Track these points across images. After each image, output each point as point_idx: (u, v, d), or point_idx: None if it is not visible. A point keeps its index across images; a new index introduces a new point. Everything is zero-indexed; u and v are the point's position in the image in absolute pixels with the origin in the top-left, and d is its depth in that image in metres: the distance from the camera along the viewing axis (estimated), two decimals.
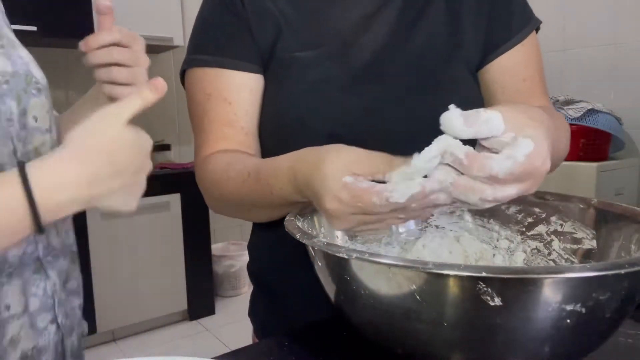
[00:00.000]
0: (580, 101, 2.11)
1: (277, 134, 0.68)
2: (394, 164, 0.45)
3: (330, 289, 0.46)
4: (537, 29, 0.72)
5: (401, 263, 0.36)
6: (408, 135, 0.55)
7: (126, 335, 2.52)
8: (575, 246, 0.54)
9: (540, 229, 0.57)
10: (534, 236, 0.57)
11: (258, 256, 0.79)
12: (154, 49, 2.72)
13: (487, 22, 0.70)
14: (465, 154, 0.41)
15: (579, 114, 2.04)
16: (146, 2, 2.54)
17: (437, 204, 0.44)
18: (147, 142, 0.52)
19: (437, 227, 0.59)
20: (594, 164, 2.01)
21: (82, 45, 0.62)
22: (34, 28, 2.15)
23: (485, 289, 0.34)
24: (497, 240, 0.58)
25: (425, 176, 0.43)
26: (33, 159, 0.53)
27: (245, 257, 2.97)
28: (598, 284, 0.35)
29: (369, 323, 0.43)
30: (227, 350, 0.55)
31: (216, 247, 3.02)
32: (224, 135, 0.67)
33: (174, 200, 2.55)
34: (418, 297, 0.37)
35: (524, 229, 0.58)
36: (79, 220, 2.11)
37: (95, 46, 0.62)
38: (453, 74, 0.68)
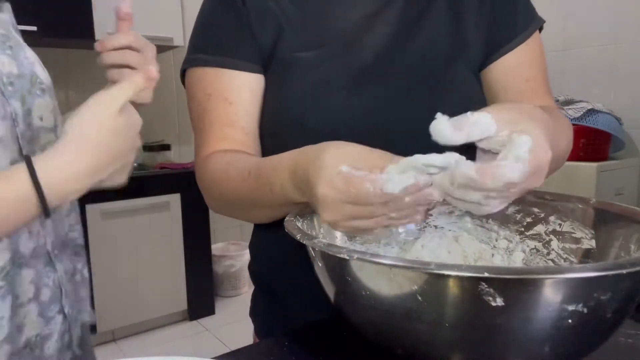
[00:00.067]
0: (580, 101, 2.11)
1: (277, 134, 0.67)
2: (394, 161, 0.44)
3: (330, 289, 0.46)
4: (541, 29, 0.72)
5: (403, 264, 0.36)
6: (410, 135, 0.54)
7: (126, 335, 2.52)
8: (574, 246, 0.54)
9: (539, 228, 0.57)
10: (532, 236, 0.57)
11: (259, 256, 0.79)
12: None
13: (490, 22, 0.69)
14: (475, 170, 0.40)
15: (579, 114, 2.04)
16: (146, 2, 2.53)
17: (430, 200, 0.44)
18: (138, 122, 0.56)
19: (435, 227, 0.59)
20: (594, 164, 2.01)
21: (98, 45, 0.65)
22: (34, 28, 2.15)
23: (487, 289, 0.34)
24: (496, 240, 0.58)
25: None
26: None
27: (245, 257, 2.97)
28: (600, 284, 0.35)
29: (369, 323, 0.43)
30: (227, 350, 0.55)
31: (216, 247, 3.02)
32: (225, 135, 0.67)
33: (174, 200, 2.55)
34: (419, 298, 0.37)
35: (522, 229, 0.58)
36: None
37: (110, 47, 0.65)
38: (455, 74, 0.68)
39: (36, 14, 2.19)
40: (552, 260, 0.55)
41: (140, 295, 2.46)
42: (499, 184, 0.40)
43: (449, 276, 0.35)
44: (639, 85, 2.21)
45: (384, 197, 0.42)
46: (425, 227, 0.59)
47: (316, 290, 0.48)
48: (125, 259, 2.39)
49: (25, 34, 0.75)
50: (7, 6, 0.73)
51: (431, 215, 0.59)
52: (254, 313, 0.81)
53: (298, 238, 0.44)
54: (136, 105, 0.65)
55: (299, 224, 0.49)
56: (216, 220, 2.95)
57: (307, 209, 0.54)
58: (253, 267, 0.80)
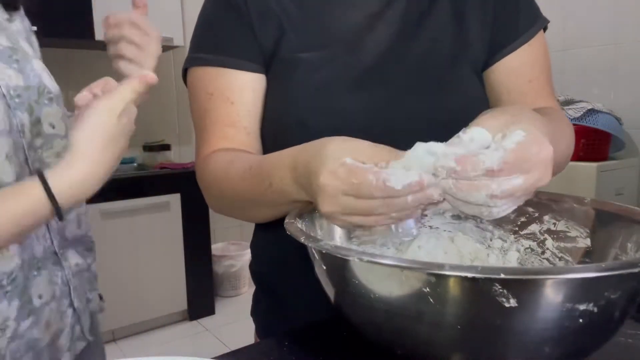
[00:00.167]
0: (580, 101, 2.11)
1: (279, 134, 0.67)
2: (399, 155, 0.44)
3: (331, 290, 0.46)
4: (545, 28, 0.71)
5: (417, 266, 0.36)
6: (412, 136, 0.54)
7: (126, 335, 2.53)
8: (569, 245, 0.54)
9: (533, 227, 0.57)
10: (527, 235, 0.57)
11: (259, 256, 0.79)
12: None
13: (493, 22, 0.68)
14: (456, 160, 0.40)
15: (579, 114, 2.04)
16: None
17: (431, 201, 0.43)
18: (134, 114, 0.60)
19: (430, 227, 0.59)
20: (594, 164, 2.01)
21: (102, 21, 0.71)
22: (34, 28, 2.15)
23: (500, 290, 0.34)
24: (491, 240, 0.58)
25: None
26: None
27: (245, 257, 2.97)
28: (611, 283, 0.35)
29: (374, 325, 0.43)
30: (227, 350, 0.55)
31: (216, 247, 3.02)
32: (226, 135, 0.67)
33: (174, 200, 2.55)
34: (431, 299, 0.36)
35: (517, 228, 0.58)
36: None
37: (112, 22, 0.70)
38: (458, 74, 0.67)
39: (36, 14, 2.18)
40: (547, 260, 0.55)
41: (140, 295, 2.46)
42: (478, 172, 0.40)
43: (463, 278, 0.35)
44: (639, 85, 2.21)
45: (386, 192, 0.42)
46: (421, 227, 0.59)
47: (317, 290, 0.48)
48: (125, 259, 2.40)
49: None
50: (19, 14, 0.76)
51: (426, 215, 0.59)
52: (255, 313, 0.81)
53: (302, 240, 0.43)
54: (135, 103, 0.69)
55: (300, 225, 0.49)
56: (216, 220, 2.95)
57: (306, 210, 0.54)
58: (254, 267, 0.80)
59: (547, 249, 0.56)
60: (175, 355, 0.41)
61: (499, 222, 0.59)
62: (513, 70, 0.69)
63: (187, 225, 2.60)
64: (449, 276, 0.35)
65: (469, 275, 0.34)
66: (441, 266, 0.34)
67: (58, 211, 0.54)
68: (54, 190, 0.53)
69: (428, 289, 0.36)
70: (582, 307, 0.35)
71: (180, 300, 2.64)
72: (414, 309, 0.38)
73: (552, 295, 0.35)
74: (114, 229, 2.33)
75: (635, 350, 0.52)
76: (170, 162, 2.77)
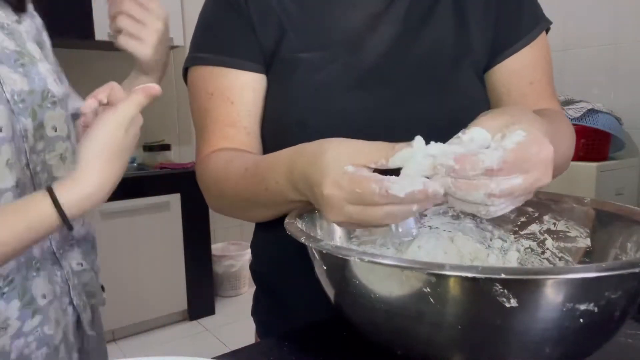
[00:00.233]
0: (580, 101, 2.11)
1: (279, 134, 0.67)
2: (396, 149, 0.44)
3: (333, 291, 0.46)
4: (548, 30, 0.70)
5: (418, 266, 0.36)
6: (412, 137, 0.54)
7: (126, 335, 2.53)
8: (569, 244, 0.54)
9: (533, 227, 0.57)
10: (527, 235, 0.57)
11: (260, 256, 0.79)
12: None
13: (495, 22, 0.68)
14: (454, 159, 0.40)
15: (579, 114, 2.04)
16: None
17: (434, 203, 0.43)
18: (139, 124, 0.61)
19: (430, 227, 0.59)
20: (594, 164, 2.01)
21: None
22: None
23: (501, 290, 0.34)
24: (490, 240, 0.58)
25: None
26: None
27: (245, 257, 2.97)
28: (612, 283, 0.35)
29: (377, 326, 0.43)
30: (227, 350, 0.55)
31: (216, 247, 3.02)
32: (226, 134, 0.67)
33: (174, 200, 2.55)
34: (431, 299, 0.36)
35: (516, 228, 0.58)
36: None
37: None
38: (459, 76, 0.67)
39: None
40: (547, 260, 0.55)
41: (140, 295, 2.46)
42: (477, 171, 0.40)
43: (463, 278, 0.35)
44: (639, 85, 2.21)
45: (389, 199, 0.42)
46: (421, 227, 0.59)
47: (317, 290, 0.48)
48: (125, 259, 2.39)
49: None
50: (29, 15, 0.78)
51: (426, 215, 0.59)
52: (256, 312, 0.81)
53: (302, 240, 0.43)
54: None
55: (300, 225, 0.49)
56: (216, 220, 2.95)
57: (306, 210, 0.54)
58: (254, 267, 0.80)
59: (547, 249, 0.56)
60: (175, 355, 0.41)
61: (499, 222, 0.59)
62: (514, 72, 0.68)
63: (187, 225, 2.60)
64: (449, 276, 0.35)
65: (470, 275, 0.34)
66: (441, 266, 0.34)
67: (67, 224, 0.56)
68: (63, 204, 0.55)
69: (428, 289, 0.36)
70: (582, 307, 0.35)
71: (180, 300, 2.64)
72: (414, 309, 0.38)
73: (552, 295, 0.35)
74: (114, 229, 2.33)
75: (635, 350, 0.52)
76: (170, 162, 2.77)
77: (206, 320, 2.73)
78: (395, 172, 0.44)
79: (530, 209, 0.58)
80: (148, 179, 2.49)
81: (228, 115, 0.67)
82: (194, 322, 2.71)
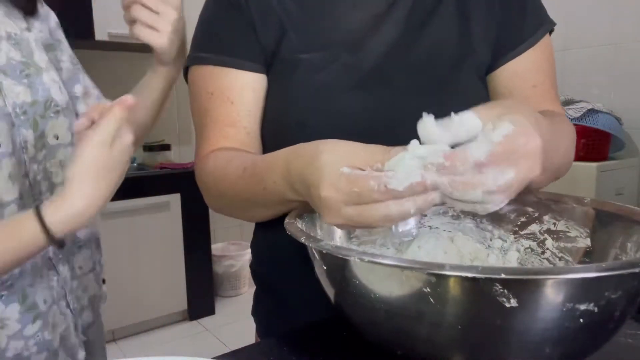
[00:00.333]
0: (580, 101, 2.11)
1: (279, 134, 0.67)
2: (392, 153, 0.43)
3: (333, 291, 0.46)
4: (551, 31, 0.70)
5: (418, 266, 0.36)
6: (413, 138, 0.54)
7: (126, 335, 2.53)
8: (569, 245, 0.54)
9: (533, 227, 0.57)
10: (527, 235, 0.57)
11: (260, 256, 0.79)
12: None
13: (499, 24, 0.67)
14: (444, 156, 0.40)
15: (579, 114, 2.04)
16: None
17: (433, 204, 0.43)
18: (129, 141, 0.61)
19: (430, 227, 0.59)
20: (594, 164, 2.01)
21: None
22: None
23: (501, 290, 0.34)
24: (490, 240, 0.58)
25: None
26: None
27: (245, 257, 2.97)
28: (612, 283, 0.35)
29: (377, 326, 0.43)
30: (227, 350, 0.55)
31: (216, 247, 3.02)
32: (226, 134, 0.67)
33: (174, 200, 2.55)
34: (431, 299, 0.36)
35: (516, 228, 0.58)
36: None
37: None
38: (461, 78, 0.66)
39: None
40: (547, 260, 0.55)
41: (140, 295, 2.46)
42: (467, 166, 0.40)
43: (463, 278, 0.35)
44: (639, 85, 2.21)
45: (388, 194, 0.41)
46: (421, 227, 0.59)
47: (317, 290, 0.48)
48: (125, 259, 2.39)
49: None
50: (40, 17, 0.78)
51: (426, 215, 0.59)
52: (256, 312, 0.81)
53: (302, 240, 0.43)
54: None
55: (300, 225, 0.49)
56: (216, 220, 2.95)
57: (306, 210, 0.54)
58: (254, 267, 0.80)
59: (547, 249, 0.56)
60: (175, 355, 0.41)
61: (499, 222, 0.59)
62: (517, 74, 0.68)
63: (187, 225, 2.60)
64: (449, 276, 0.35)
65: (470, 275, 0.34)
66: (441, 266, 0.34)
67: (55, 243, 0.58)
68: (50, 223, 0.56)
69: (428, 289, 0.36)
70: (582, 307, 0.35)
71: (180, 300, 2.64)
72: (414, 309, 0.38)
73: (552, 295, 0.35)
74: (114, 229, 2.33)
75: (635, 350, 0.52)
76: (170, 162, 2.77)
77: (206, 320, 2.73)
78: None
79: (530, 209, 0.57)
80: (148, 179, 2.49)
81: (228, 115, 0.67)
82: (194, 322, 2.71)
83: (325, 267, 0.45)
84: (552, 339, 0.37)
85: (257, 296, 0.81)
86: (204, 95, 0.68)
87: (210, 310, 2.78)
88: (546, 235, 0.56)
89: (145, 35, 0.76)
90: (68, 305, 0.75)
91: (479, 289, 0.35)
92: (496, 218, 0.59)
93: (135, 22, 0.76)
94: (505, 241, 0.58)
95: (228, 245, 3.17)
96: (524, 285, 0.34)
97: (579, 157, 2.04)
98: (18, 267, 0.63)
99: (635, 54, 2.21)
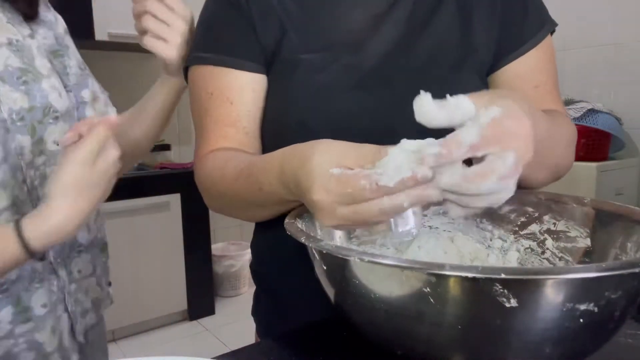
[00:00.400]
0: (580, 101, 2.11)
1: (279, 135, 0.67)
2: (383, 153, 0.43)
3: (333, 291, 0.46)
4: (552, 32, 0.69)
5: (418, 266, 0.36)
6: (413, 139, 0.54)
7: (126, 335, 2.53)
8: (569, 244, 0.54)
9: (533, 227, 0.57)
10: (527, 235, 0.57)
11: (260, 256, 0.78)
12: None
13: (501, 24, 0.67)
14: (440, 144, 0.40)
15: (579, 114, 2.04)
16: None
17: (429, 201, 0.43)
18: (113, 155, 0.61)
19: (430, 227, 0.59)
20: (594, 164, 2.01)
21: None
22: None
23: (501, 290, 0.34)
24: (490, 240, 0.58)
25: None
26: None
27: (245, 257, 2.97)
28: (612, 283, 0.35)
29: (374, 325, 0.43)
30: (227, 350, 0.55)
31: (216, 247, 3.02)
32: (225, 134, 0.67)
33: (174, 200, 2.55)
34: (431, 299, 0.36)
35: (516, 228, 0.58)
36: None
37: None
38: (462, 78, 0.66)
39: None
40: (547, 260, 0.55)
41: (140, 295, 2.46)
42: (462, 148, 0.40)
43: (463, 278, 0.35)
44: (639, 85, 2.21)
45: (380, 191, 0.41)
46: (421, 227, 0.59)
47: (317, 290, 0.48)
48: (125, 259, 2.39)
49: None
50: (46, 23, 0.79)
51: (425, 215, 0.59)
52: (256, 312, 0.81)
53: (302, 240, 0.43)
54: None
55: (300, 225, 0.49)
56: (216, 220, 2.95)
57: (305, 209, 0.54)
58: (254, 267, 0.80)
59: (547, 249, 0.56)
60: (175, 355, 0.41)
61: (499, 222, 0.59)
62: (519, 75, 0.68)
63: (187, 225, 2.60)
64: (449, 276, 0.35)
65: (470, 275, 0.34)
66: (441, 266, 0.34)
67: (34, 257, 0.58)
68: (28, 238, 0.57)
69: (428, 289, 0.36)
70: (582, 307, 0.35)
71: (180, 300, 2.64)
72: (415, 309, 0.38)
73: (552, 295, 0.35)
74: (114, 229, 2.33)
75: (635, 350, 0.52)
76: (170, 162, 2.77)
77: (206, 320, 2.73)
78: None
79: (530, 209, 0.57)
80: (148, 179, 2.49)
81: (227, 115, 0.67)
82: (194, 322, 2.71)
83: (325, 267, 0.45)
84: (552, 339, 0.37)
85: (257, 296, 0.81)
86: (203, 95, 0.68)
87: (210, 310, 2.78)
88: (546, 235, 0.56)
89: (154, 46, 0.77)
90: (66, 309, 0.75)
91: (479, 289, 0.35)
92: (496, 218, 0.59)
93: (145, 32, 0.76)
94: (505, 241, 0.58)
95: (228, 245, 3.17)
96: (524, 285, 0.34)
97: (579, 157, 2.04)
98: (1, 278, 0.64)
99: (635, 54, 2.21)
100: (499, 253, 0.57)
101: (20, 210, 0.66)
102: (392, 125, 0.64)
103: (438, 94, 0.65)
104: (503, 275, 0.33)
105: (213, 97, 0.67)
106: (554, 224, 0.56)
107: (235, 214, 0.69)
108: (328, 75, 0.65)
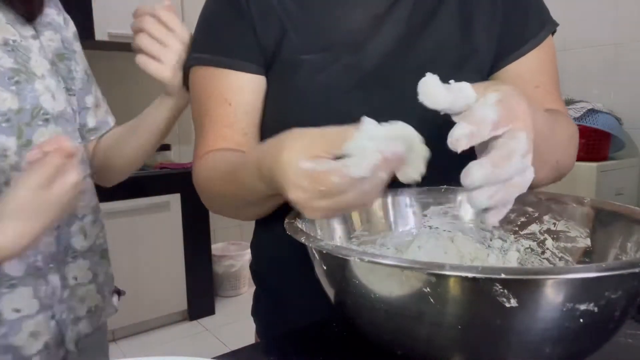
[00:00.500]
0: (580, 101, 2.11)
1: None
2: (349, 134, 0.43)
3: (333, 291, 0.46)
4: (553, 32, 0.69)
5: (418, 266, 0.36)
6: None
7: (126, 335, 2.53)
8: (569, 245, 0.54)
9: (533, 228, 0.57)
10: (527, 235, 0.57)
11: (260, 256, 0.79)
12: None
13: (502, 24, 0.67)
14: (464, 125, 0.41)
15: (579, 114, 2.04)
16: (146, 2, 2.53)
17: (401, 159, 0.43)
18: (72, 180, 0.59)
19: (430, 227, 0.59)
20: (594, 164, 2.01)
21: (133, 13, 0.76)
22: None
23: (501, 290, 0.34)
24: (490, 240, 0.58)
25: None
26: None
27: (245, 257, 2.97)
28: (612, 283, 0.35)
29: (377, 326, 0.43)
30: (227, 350, 0.55)
31: (216, 247, 3.02)
32: (223, 135, 0.67)
33: (174, 200, 2.55)
34: (431, 299, 0.36)
35: (516, 228, 0.58)
36: None
37: (137, 14, 0.74)
38: (463, 79, 0.64)
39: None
40: (547, 260, 0.55)
41: (140, 295, 2.46)
42: (489, 127, 0.40)
43: (463, 278, 0.35)
44: (639, 85, 2.21)
45: (354, 182, 0.41)
46: (420, 227, 0.59)
47: (317, 290, 0.48)
48: (125, 259, 2.39)
49: None
50: (54, 27, 0.79)
51: (426, 215, 0.59)
52: (256, 312, 0.81)
53: (302, 240, 0.43)
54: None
55: (300, 225, 0.49)
56: (216, 220, 2.95)
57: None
58: (254, 267, 0.80)
59: (547, 249, 0.56)
60: (175, 355, 0.41)
61: (499, 222, 0.59)
62: (520, 75, 0.67)
63: (187, 225, 2.60)
64: (449, 276, 0.35)
65: (470, 275, 0.34)
66: (441, 266, 0.34)
67: None
68: None
69: (428, 289, 0.36)
70: (582, 307, 0.35)
71: (180, 300, 2.64)
72: (415, 309, 0.38)
73: (552, 295, 0.35)
74: (114, 229, 2.33)
75: (635, 350, 0.52)
76: (170, 162, 2.77)
77: (206, 320, 2.73)
78: None
79: (530, 209, 0.57)
80: (148, 179, 2.49)
81: (225, 116, 0.67)
82: (194, 322, 2.71)
83: (325, 267, 0.45)
84: (552, 339, 0.37)
85: (257, 296, 0.81)
86: (202, 96, 0.68)
87: (210, 310, 2.78)
88: (546, 235, 0.56)
89: (149, 66, 0.75)
90: (53, 316, 0.74)
91: (479, 289, 0.35)
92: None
93: (139, 50, 0.75)
94: (505, 241, 0.58)
95: (228, 245, 3.17)
96: (524, 285, 0.34)
97: (579, 157, 2.01)
98: None
99: (635, 54, 2.21)
100: (499, 253, 0.57)
101: None
102: None
103: None
104: (503, 275, 0.33)
105: (212, 98, 0.67)
106: (554, 224, 0.56)
107: (230, 214, 0.69)
108: (328, 75, 0.64)
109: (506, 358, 0.38)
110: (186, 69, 0.72)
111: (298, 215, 0.52)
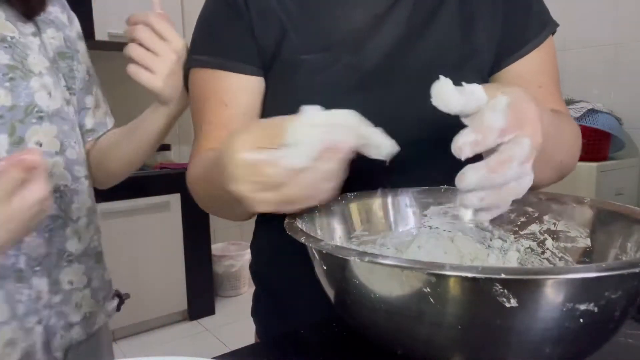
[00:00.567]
0: (580, 101, 2.11)
1: None
2: (287, 125, 0.42)
3: (333, 291, 0.46)
4: (554, 32, 0.69)
5: (417, 266, 0.36)
6: (414, 141, 0.54)
7: (126, 335, 2.53)
8: (569, 245, 0.54)
9: (533, 227, 0.57)
10: (527, 235, 0.57)
11: (260, 256, 0.79)
12: None
13: (503, 25, 0.67)
14: (471, 132, 0.40)
15: (579, 114, 2.04)
16: (146, 2, 2.54)
17: (346, 149, 0.42)
18: (37, 194, 0.55)
19: (430, 227, 0.59)
20: (594, 164, 2.01)
21: (127, 20, 0.74)
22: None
23: (501, 290, 0.34)
24: (490, 240, 0.58)
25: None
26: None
27: (245, 257, 2.97)
28: (612, 283, 0.35)
29: (377, 326, 0.43)
30: (227, 350, 0.55)
31: (216, 247, 3.02)
32: (217, 136, 0.67)
33: (174, 200, 2.55)
34: (431, 300, 0.36)
35: (516, 228, 0.58)
36: None
37: (130, 22, 0.72)
38: (463, 79, 0.65)
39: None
40: (547, 260, 0.55)
41: (140, 295, 2.46)
42: (495, 134, 0.40)
43: (463, 278, 0.35)
44: (639, 85, 2.21)
45: (294, 173, 0.41)
46: (421, 227, 0.59)
47: (317, 290, 0.48)
48: (125, 259, 2.39)
49: None
50: (57, 25, 0.78)
51: (426, 215, 0.59)
52: (255, 313, 0.81)
53: (302, 240, 0.43)
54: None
55: (300, 225, 0.49)
56: (216, 221, 2.95)
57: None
58: (254, 267, 0.80)
59: (547, 249, 0.56)
60: (175, 355, 0.41)
61: (499, 222, 0.59)
62: (521, 76, 0.67)
63: (187, 225, 2.60)
64: (449, 276, 0.35)
65: (470, 275, 0.34)
66: (442, 266, 0.34)
67: None
68: None
69: (428, 289, 0.36)
70: (582, 307, 0.35)
71: (180, 300, 2.64)
72: (415, 309, 0.38)
73: (552, 295, 0.35)
74: (114, 229, 2.33)
75: (635, 350, 0.52)
76: (170, 162, 2.77)
77: (206, 320, 2.73)
78: None
79: (530, 209, 0.57)
80: (148, 179, 2.49)
81: (221, 117, 0.67)
82: (194, 322, 2.71)
83: (325, 267, 0.45)
84: (552, 339, 0.37)
85: (256, 296, 0.81)
86: (200, 98, 0.69)
87: (210, 310, 2.78)
88: (546, 235, 0.56)
89: (140, 76, 0.72)
90: (40, 321, 0.71)
91: (479, 289, 0.35)
92: (496, 218, 0.59)
93: (130, 58, 0.73)
94: (505, 241, 0.58)
95: (228, 245, 3.17)
96: (524, 285, 0.34)
97: (579, 157, 2.04)
98: None
99: (635, 54, 2.21)
100: (499, 253, 0.57)
101: None
102: (394, 125, 0.63)
103: None
104: (503, 275, 0.33)
105: (209, 100, 0.67)
106: (554, 224, 0.56)
107: (220, 214, 0.68)
108: (328, 75, 0.64)
109: (506, 358, 0.38)
110: (186, 70, 0.72)
111: (298, 215, 0.52)
